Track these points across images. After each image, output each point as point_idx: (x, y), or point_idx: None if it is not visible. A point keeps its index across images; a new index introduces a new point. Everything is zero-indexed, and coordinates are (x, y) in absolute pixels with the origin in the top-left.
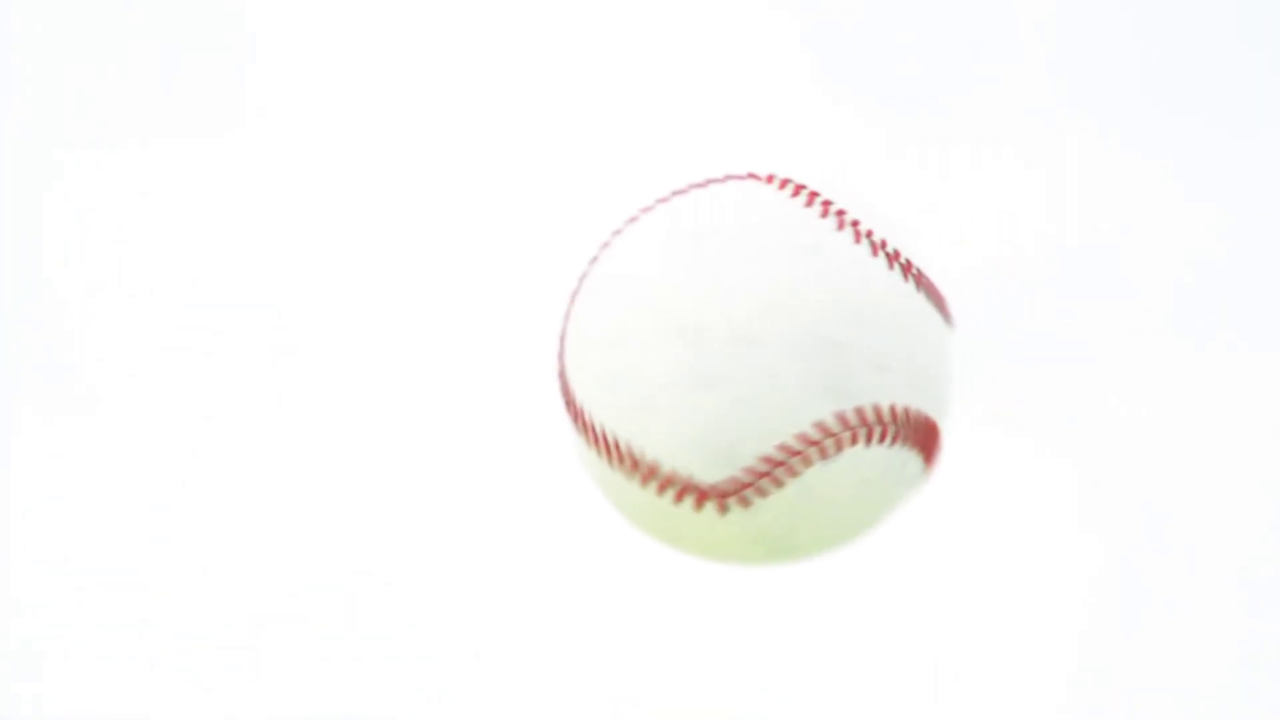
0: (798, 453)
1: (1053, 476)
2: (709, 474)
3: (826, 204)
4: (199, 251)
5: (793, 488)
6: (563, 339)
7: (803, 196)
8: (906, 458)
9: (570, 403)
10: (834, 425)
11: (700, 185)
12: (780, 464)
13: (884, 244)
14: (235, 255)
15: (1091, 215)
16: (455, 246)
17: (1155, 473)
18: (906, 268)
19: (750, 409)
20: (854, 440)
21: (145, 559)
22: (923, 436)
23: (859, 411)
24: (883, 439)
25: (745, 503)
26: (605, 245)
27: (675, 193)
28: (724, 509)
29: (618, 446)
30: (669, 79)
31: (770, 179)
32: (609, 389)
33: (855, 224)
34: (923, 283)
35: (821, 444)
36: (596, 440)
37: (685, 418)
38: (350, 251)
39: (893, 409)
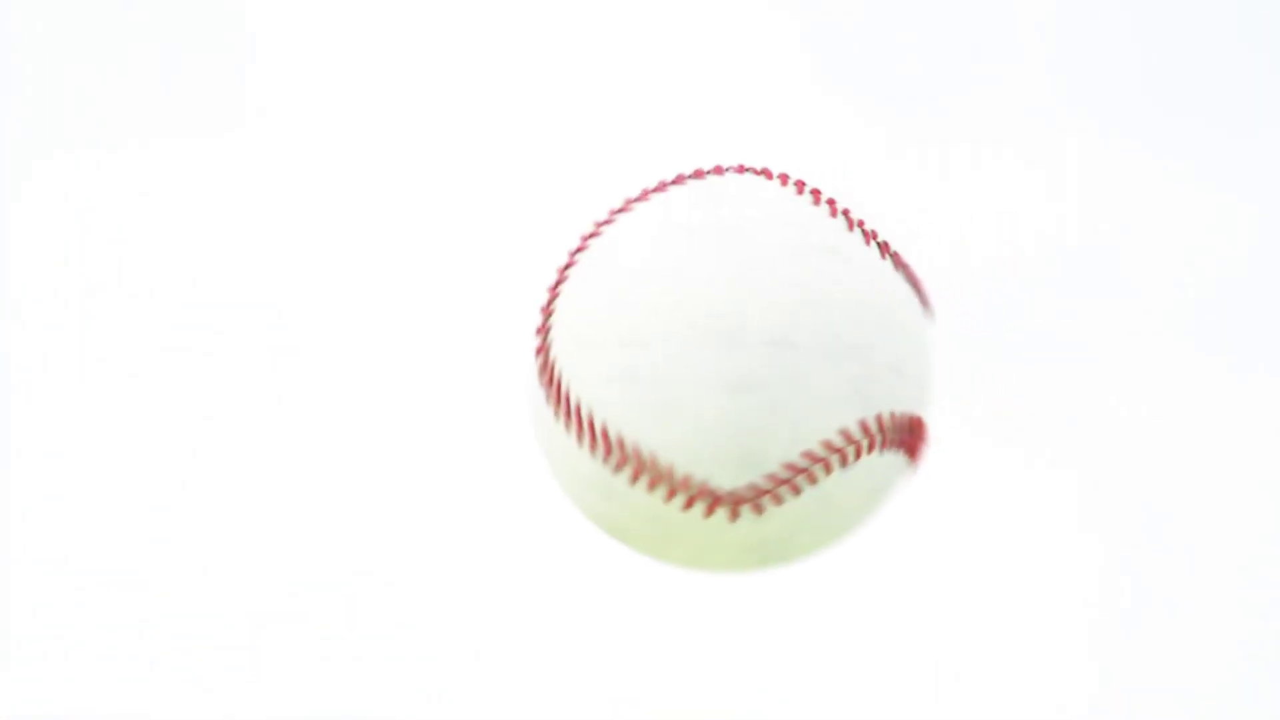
0: (821, 460)
1: (1052, 477)
2: (729, 480)
3: (832, 202)
4: (199, 251)
5: (809, 495)
6: (547, 333)
7: (806, 194)
8: (903, 461)
9: (563, 400)
10: (856, 432)
11: (696, 176)
12: (802, 471)
13: (887, 245)
14: (235, 255)
15: (1091, 216)
16: (456, 245)
17: (1156, 473)
18: (909, 270)
19: (781, 415)
20: (871, 447)
21: (145, 559)
22: (917, 439)
23: (879, 418)
24: (894, 446)
25: (759, 510)
26: (594, 235)
27: (666, 183)
28: (736, 516)
29: (635, 450)
30: (668, 77)
31: (768, 174)
32: (624, 389)
33: (861, 224)
34: (915, 282)
35: (844, 451)
36: (594, 440)
37: (711, 421)
38: (349, 251)
39: (904, 415)
